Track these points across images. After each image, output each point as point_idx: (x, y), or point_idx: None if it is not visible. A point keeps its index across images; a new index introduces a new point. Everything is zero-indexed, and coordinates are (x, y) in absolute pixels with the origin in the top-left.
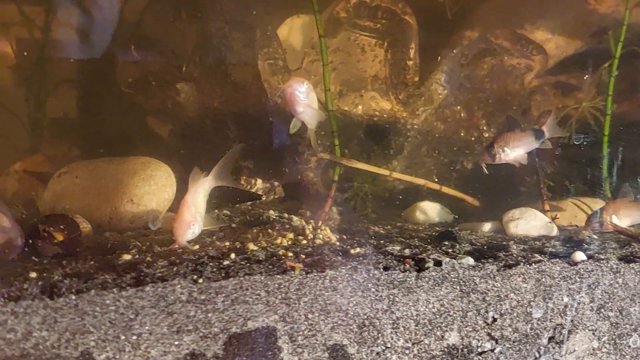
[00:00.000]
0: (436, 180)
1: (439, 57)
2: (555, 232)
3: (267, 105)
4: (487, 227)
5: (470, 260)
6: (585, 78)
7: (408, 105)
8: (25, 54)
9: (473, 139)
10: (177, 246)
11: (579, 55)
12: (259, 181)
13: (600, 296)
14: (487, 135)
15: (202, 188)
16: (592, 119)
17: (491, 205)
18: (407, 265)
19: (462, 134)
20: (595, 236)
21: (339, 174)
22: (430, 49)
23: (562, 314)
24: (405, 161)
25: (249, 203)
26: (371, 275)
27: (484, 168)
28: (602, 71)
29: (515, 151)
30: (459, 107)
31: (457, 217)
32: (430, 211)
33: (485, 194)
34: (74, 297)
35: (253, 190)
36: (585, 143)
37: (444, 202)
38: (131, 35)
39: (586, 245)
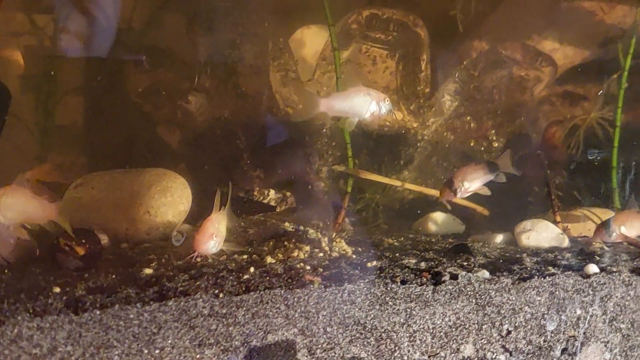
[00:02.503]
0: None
1: (450, 69)
2: (566, 243)
3: (279, 116)
4: (499, 238)
5: (485, 274)
6: (599, 93)
7: (419, 116)
8: (34, 62)
9: (482, 148)
10: (197, 255)
11: (587, 65)
12: (272, 192)
13: (612, 308)
14: (496, 145)
15: (223, 216)
16: (600, 129)
17: (501, 215)
18: (424, 279)
19: (471, 144)
20: (606, 247)
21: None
22: (442, 61)
23: (575, 326)
24: (416, 171)
25: (262, 214)
26: (389, 288)
27: (446, 204)
28: (610, 82)
29: (474, 184)
30: (468, 118)
31: (467, 228)
32: (441, 222)
33: (495, 204)
34: (98, 312)
35: (266, 201)
36: (599, 158)
37: (455, 212)
38: (142, 45)
39: (598, 258)
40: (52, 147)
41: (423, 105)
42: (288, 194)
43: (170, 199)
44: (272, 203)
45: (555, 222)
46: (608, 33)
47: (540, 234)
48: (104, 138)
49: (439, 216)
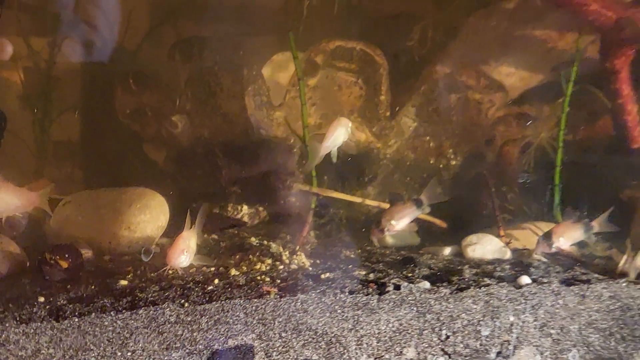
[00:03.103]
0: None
1: (411, 93)
2: (508, 255)
3: (253, 136)
4: (447, 251)
5: (426, 284)
6: (545, 115)
7: (381, 137)
8: (33, 83)
9: (442, 166)
10: (168, 268)
11: (542, 88)
12: (245, 207)
13: (543, 316)
14: (454, 162)
15: (194, 233)
16: (550, 148)
17: (458, 228)
18: (371, 289)
19: (431, 162)
20: (544, 259)
21: (316, 202)
22: (405, 85)
23: (509, 332)
24: (380, 187)
25: (234, 228)
26: (338, 298)
27: (375, 242)
28: (555, 106)
29: (401, 222)
30: (428, 138)
31: (423, 240)
32: (397, 235)
33: (453, 218)
34: (76, 320)
35: (239, 215)
36: (528, 182)
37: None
38: (130, 70)
39: (533, 269)
40: (49, 162)
41: (385, 127)
42: (261, 208)
43: (149, 216)
44: (246, 217)
45: (499, 236)
46: (561, 58)
47: (485, 247)
48: (96, 154)
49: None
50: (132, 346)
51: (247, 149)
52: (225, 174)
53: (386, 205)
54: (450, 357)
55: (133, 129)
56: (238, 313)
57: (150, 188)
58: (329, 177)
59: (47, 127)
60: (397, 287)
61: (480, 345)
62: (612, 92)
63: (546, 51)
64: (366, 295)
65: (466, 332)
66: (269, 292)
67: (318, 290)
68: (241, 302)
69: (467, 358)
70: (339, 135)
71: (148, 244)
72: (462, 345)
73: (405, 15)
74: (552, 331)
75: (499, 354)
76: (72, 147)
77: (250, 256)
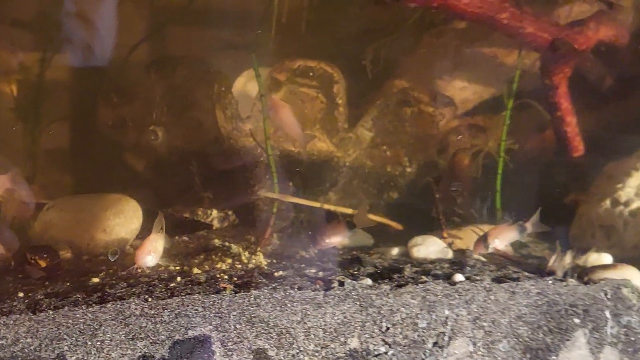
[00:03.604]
0: (367, 208)
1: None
2: (450, 255)
3: (223, 146)
4: (395, 251)
5: (368, 281)
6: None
7: (341, 146)
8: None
9: (397, 173)
10: (136, 267)
11: (493, 100)
12: (215, 211)
13: (475, 310)
14: (409, 170)
15: (161, 236)
16: (497, 156)
17: (413, 230)
18: (318, 286)
19: (388, 169)
20: (483, 259)
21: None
22: (366, 99)
23: (444, 324)
24: (340, 193)
25: (204, 231)
26: (287, 293)
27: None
28: (500, 117)
29: (333, 240)
30: (384, 147)
31: (377, 241)
32: (352, 237)
33: (409, 220)
34: (51, 312)
35: (209, 219)
36: (457, 190)
37: (370, 228)
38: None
39: (469, 268)
40: (39, 169)
41: (344, 137)
42: (230, 212)
43: (123, 220)
44: (215, 221)
45: (442, 238)
46: (511, 73)
47: (429, 247)
48: (82, 162)
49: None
50: (101, 336)
51: (218, 158)
52: (198, 181)
53: (341, 209)
54: (390, 347)
55: (115, 139)
56: (197, 307)
57: (131, 194)
58: (294, 184)
59: (37, 137)
60: (342, 284)
61: (418, 336)
62: (552, 106)
63: (496, 66)
64: (313, 291)
65: (405, 324)
66: (225, 289)
67: (270, 287)
68: (200, 297)
69: (405, 348)
70: None
71: (122, 246)
72: (401, 336)
73: (363, 35)
74: (484, 324)
75: (435, 344)
76: (61, 155)
77: (213, 256)
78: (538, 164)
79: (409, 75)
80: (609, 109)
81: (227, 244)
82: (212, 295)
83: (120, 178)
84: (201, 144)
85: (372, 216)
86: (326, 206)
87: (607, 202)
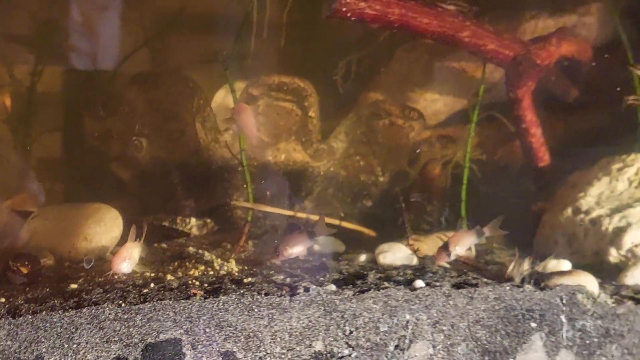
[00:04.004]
0: (342, 215)
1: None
2: (414, 262)
3: (202, 156)
4: (362, 257)
5: (333, 287)
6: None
7: (315, 157)
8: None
9: (370, 182)
10: (112, 274)
11: (465, 112)
12: (193, 219)
13: (435, 314)
14: (382, 179)
15: (137, 244)
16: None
17: (385, 237)
18: (284, 292)
19: (361, 179)
20: (447, 265)
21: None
22: (343, 111)
23: (405, 328)
24: (315, 201)
25: (183, 238)
26: (255, 299)
27: (278, 261)
28: (468, 128)
29: (294, 249)
30: (357, 157)
31: (348, 247)
32: (324, 244)
33: (382, 228)
34: (30, 317)
35: (188, 227)
36: (418, 200)
37: (344, 235)
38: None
39: (431, 274)
40: (30, 179)
41: (317, 148)
42: (208, 220)
43: (104, 228)
44: (194, 229)
45: (408, 245)
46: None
47: (395, 254)
48: (72, 171)
49: (322, 239)
50: (77, 339)
51: (197, 168)
52: (180, 190)
53: (313, 217)
54: (353, 350)
55: (102, 150)
56: (168, 312)
57: (115, 203)
58: (270, 193)
59: (28, 147)
60: (307, 290)
61: (380, 339)
62: (517, 118)
63: (466, 80)
64: (279, 297)
65: (367, 328)
66: (195, 294)
67: (238, 293)
68: (171, 302)
69: (368, 350)
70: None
71: (102, 253)
72: (364, 339)
73: (341, 50)
74: (444, 328)
75: (396, 347)
76: (52, 165)
77: (187, 263)
78: (507, 172)
79: (383, 89)
80: (574, 121)
81: (200, 251)
82: (183, 301)
83: (107, 187)
84: (182, 154)
85: (345, 223)
86: (298, 214)
87: (569, 211)
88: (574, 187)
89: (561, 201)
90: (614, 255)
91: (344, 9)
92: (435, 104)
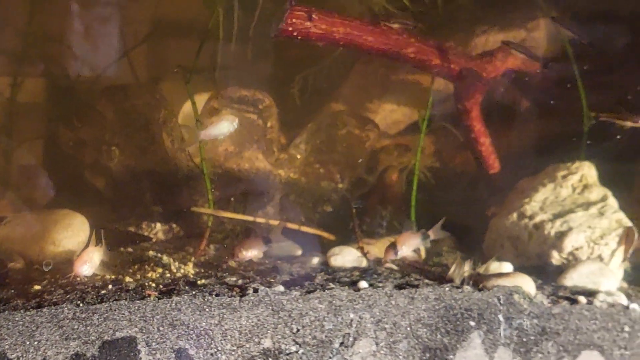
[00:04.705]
0: (302, 220)
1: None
2: (364, 264)
3: (169, 164)
4: (315, 260)
5: (281, 288)
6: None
7: (277, 165)
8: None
9: (330, 188)
10: (74, 276)
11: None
12: (159, 224)
13: (378, 313)
14: (341, 186)
15: (98, 249)
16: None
17: (345, 239)
18: (234, 292)
19: (322, 185)
20: (394, 266)
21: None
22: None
23: (349, 326)
24: (277, 207)
25: (148, 242)
26: (206, 299)
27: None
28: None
29: (250, 253)
30: (317, 165)
31: (305, 251)
32: (281, 248)
33: (342, 232)
34: None
35: (154, 232)
36: (361, 207)
37: (306, 239)
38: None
39: (376, 275)
40: (10, 185)
41: (278, 157)
42: (174, 225)
43: (70, 233)
44: (160, 234)
45: (358, 248)
46: (436, 96)
47: (345, 257)
48: (52, 178)
49: (280, 243)
50: (38, 337)
51: (164, 176)
52: (147, 197)
53: (272, 222)
54: (300, 347)
55: (77, 159)
56: (124, 311)
57: (85, 209)
58: (235, 199)
59: (10, 156)
60: (256, 291)
61: (326, 337)
62: (466, 128)
63: (422, 91)
64: (230, 297)
65: (313, 326)
66: (150, 295)
67: (190, 294)
68: (127, 303)
69: (314, 347)
70: (222, 127)
71: (69, 257)
72: (310, 337)
73: (305, 63)
74: (386, 326)
75: (341, 344)
76: (30, 172)
77: (146, 266)
78: (463, 179)
79: (344, 100)
80: (525, 130)
81: (159, 255)
82: (138, 301)
83: (82, 195)
84: (150, 163)
85: (304, 228)
86: (258, 219)
87: (514, 215)
88: (521, 193)
89: (509, 206)
90: (556, 258)
91: (290, 29)
92: (394, 114)
